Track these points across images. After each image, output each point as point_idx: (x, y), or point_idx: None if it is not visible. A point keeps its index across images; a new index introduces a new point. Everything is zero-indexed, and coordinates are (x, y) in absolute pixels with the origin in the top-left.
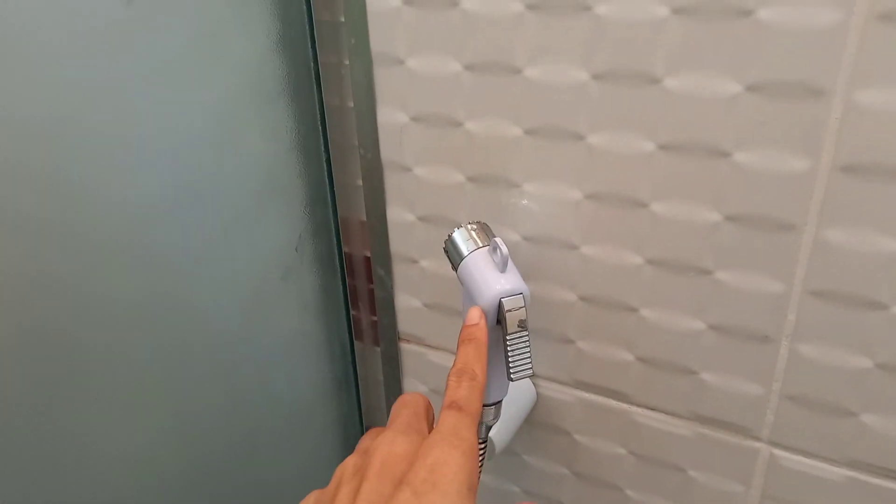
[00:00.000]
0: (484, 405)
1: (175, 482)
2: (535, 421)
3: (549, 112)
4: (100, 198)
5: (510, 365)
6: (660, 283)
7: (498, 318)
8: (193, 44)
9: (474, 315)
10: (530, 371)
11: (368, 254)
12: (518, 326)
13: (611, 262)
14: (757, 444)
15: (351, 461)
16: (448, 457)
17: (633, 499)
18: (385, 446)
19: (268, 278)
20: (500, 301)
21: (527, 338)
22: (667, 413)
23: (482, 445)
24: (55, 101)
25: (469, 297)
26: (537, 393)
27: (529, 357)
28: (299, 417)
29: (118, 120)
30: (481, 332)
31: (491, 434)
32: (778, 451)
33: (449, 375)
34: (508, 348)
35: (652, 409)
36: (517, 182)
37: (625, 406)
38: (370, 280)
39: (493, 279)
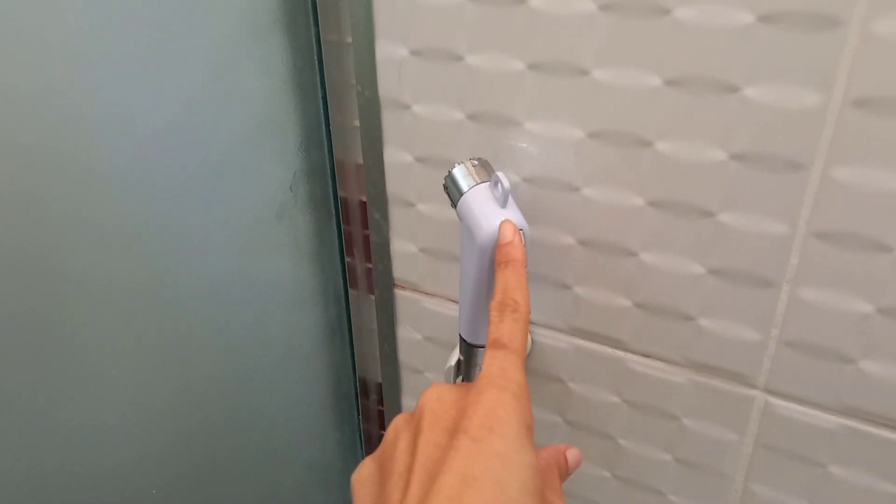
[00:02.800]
0: (478, 347)
1: (166, 428)
2: (529, 368)
3: (553, 45)
4: (90, 135)
5: None
6: (661, 226)
7: (492, 255)
8: None
9: (508, 231)
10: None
11: (364, 198)
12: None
13: (612, 203)
14: (752, 392)
15: (402, 416)
16: (500, 400)
17: (626, 447)
18: (433, 396)
19: (261, 217)
20: (492, 233)
21: (525, 275)
22: (663, 360)
23: None
24: (46, 34)
25: (468, 237)
26: (532, 340)
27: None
28: (291, 364)
29: (109, 54)
30: (517, 250)
31: None
32: (773, 399)
33: (490, 308)
34: None
35: (648, 356)
36: (519, 120)
37: (620, 353)
38: (365, 226)
39: (493, 215)
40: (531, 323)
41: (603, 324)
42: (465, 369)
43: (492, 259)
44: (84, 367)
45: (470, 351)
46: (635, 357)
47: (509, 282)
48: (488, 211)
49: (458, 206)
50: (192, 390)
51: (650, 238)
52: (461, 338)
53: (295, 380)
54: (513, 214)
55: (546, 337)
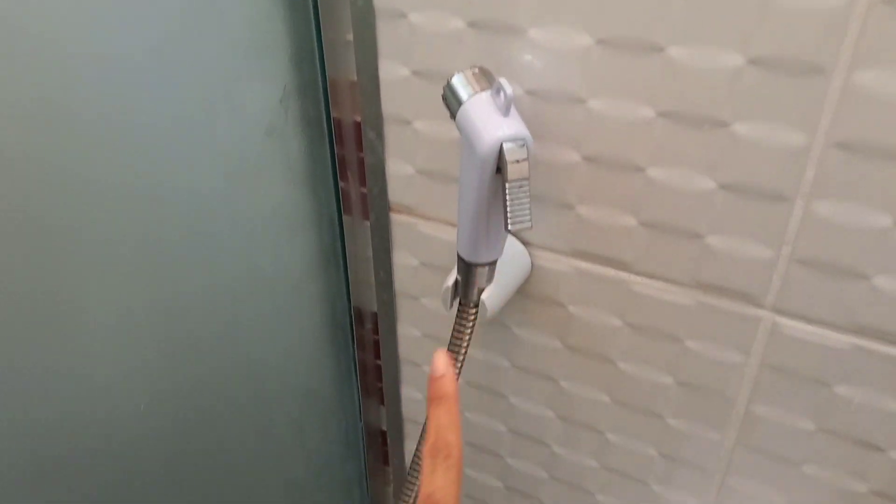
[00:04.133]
0: (477, 265)
1: (158, 359)
2: (529, 293)
3: None
4: (77, 57)
5: (508, 214)
6: (671, 139)
7: (498, 166)
8: None
9: (440, 364)
10: (529, 223)
11: (358, 119)
12: (519, 174)
13: (620, 115)
14: (760, 312)
15: None
16: None
17: (626, 371)
18: None
19: (251, 135)
20: (500, 146)
21: (527, 187)
22: (667, 281)
23: (473, 311)
24: None
25: (468, 149)
26: (532, 263)
27: (528, 208)
28: (283, 292)
29: None
30: (451, 384)
31: (483, 297)
32: (781, 319)
33: (423, 453)
34: (508, 197)
35: (652, 277)
36: (522, 27)
37: (624, 275)
38: (360, 148)
39: (494, 124)
40: (530, 245)
41: (607, 244)
42: (463, 289)
43: (493, 172)
44: (79, 303)
45: (468, 270)
46: (639, 278)
47: (441, 421)
48: (489, 120)
49: (457, 118)
50: (183, 317)
51: (659, 152)
52: (459, 257)
53: (288, 308)
54: (515, 123)
55: (547, 260)
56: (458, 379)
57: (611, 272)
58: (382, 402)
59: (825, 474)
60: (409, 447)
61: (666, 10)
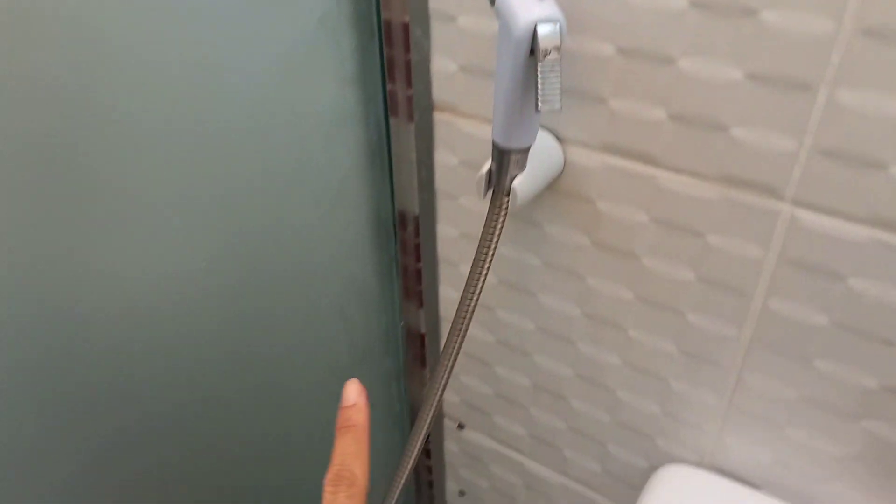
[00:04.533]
0: (510, 151)
1: (213, 247)
2: (561, 189)
3: None
4: None
5: (539, 94)
6: (703, 28)
7: (532, 48)
8: None
9: (351, 393)
10: (558, 104)
11: (407, 19)
12: (551, 54)
13: (653, 7)
14: (780, 205)
15: None
16: None
17: (650, 267)
18: None
19: (304, 24)
20: (534, 27)
21: (558, 69)
22: (693, 175)
23: (506, 198)
24: None
25: (505, 33)
26: (565, 160)
27: (559, 90)
28: (332, 189)
29: None
30: (361, 414)
31: (515, 184)
32: (800, 212)
33: (325, 480)
34: (539, 77)
35: (678, 171)
36: None
37: (651, 170)
38: (408, 50)
39: (529, 6)
40: (564, 141)
41: (636, 139)
42: (496, 177)
43: (527, 53)
44: (136, 183)
45: (502, 156)
46: (666, 173)
47: (348, 450)
48: (525, 4)
49: (496, 3)
50: (237, 207)
51: (691, 42)
52: (494, 144)
53: (335, 204)
54: (549, 7)
55: (579, 156)
56: (367, 410)
57: (639, 167)
58: (421, 306)
59: (837, 369)
60: None
61: None
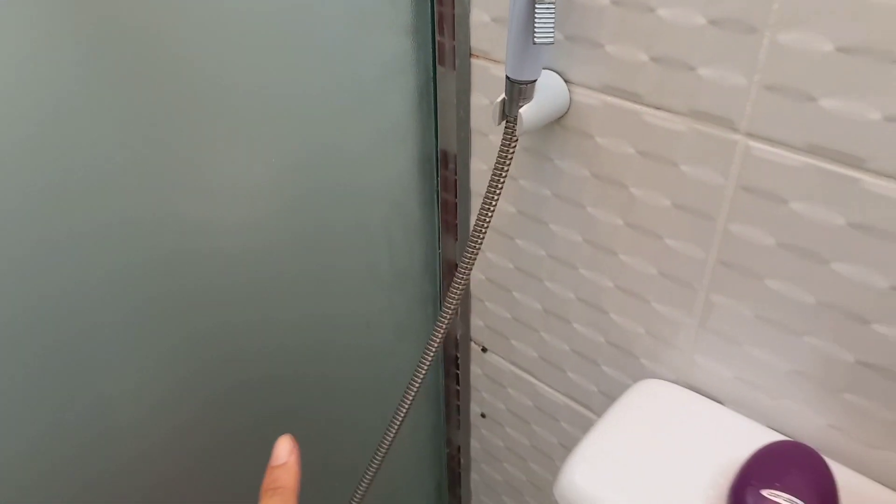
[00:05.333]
0: (518, 82)
1: (282, 167)
2: (568, 125)
3: None
4: None
5: (535, 30)
6: None
7: None
8: None
9: (282, 451)
10: (551, 39)
11: None
12: None
13: None
14: (736, 136)
15: None
16: None
17: (636, 195)
18: None
19: None
20: None
21: (553, 10)
22: (668, 111)
23: (514, 124)
24: None
25: None
26: (571, 99)
27: (552, 27)
28: (386, 128)
29: None
30: (291, 475)
31: (521, 111)
32: (752, 142)
33: None
34: (536, 16)
35: (658, 108)
36: None
37: (637, 107)
38: (453, 6)
39: None
40: (570, 83)
41: (626, 79)
42: (508, 105)
43: None
44: (229, 121)
45: (512, 87)
46: (649, 109)
47: None
48: None
49: None
50: (307, 133)
51: None
52: (506, 77)
53: (388, 138)
54: None
55: (582, 95)
56: (298, 470)
57: (628, 104)
58: (457, 239)
59: (782, 287)
60: (475, 275)
61: None
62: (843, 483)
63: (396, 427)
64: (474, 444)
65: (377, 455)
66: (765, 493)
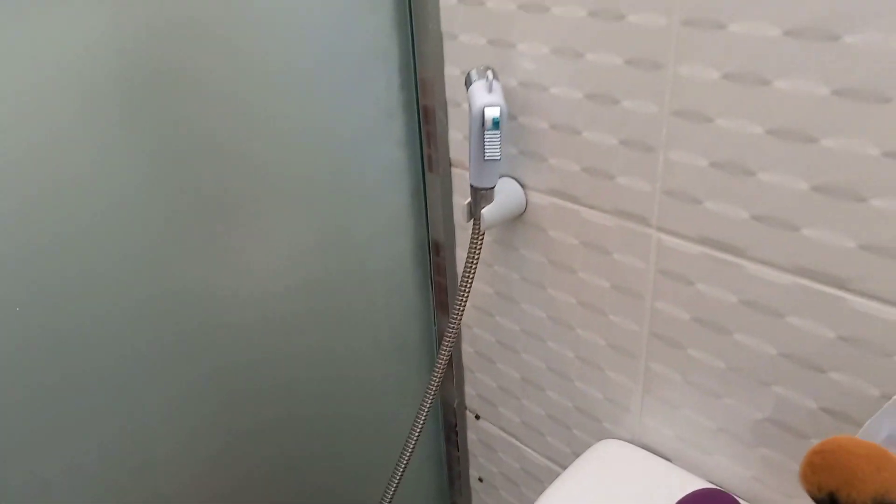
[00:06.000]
0: (479, 189)
1: (303, 274)
2: (527, 221)
3: None
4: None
5: (486, 150)
6: (595, 112)
7: (482, 121)
8: None
9: None
10: (498, 156)
11: (435, 105)
12: (492, 125)
13: (561, 95)
14: (649, 230)
15: None
16: None
17: (582, 278)
18: None
19: (375, 114)
20: (483, 108)
21: (499, 134)
22: (599, 210)
23: (479, 222)
24: None
25: (470, 111)
26: (528, 200)
27: (499, 147)
28: (385, 223)
29: None
30: None
31: (483, 212)
32: (662, 235)
33: None
34: (486, 139)
35: (591, 207)
36: (514, 43)
37: (577, 207)
38: (436, 125)
39: (482, 94)
40: (526, 187)
41: (566, 185)
42: (473, 207)
43: (481, 124)
44: (253, 218)
45: (475, 193)
46: (585, 209)
47: None
48: (480, 94)
49: (468, 92)
50: (321, 230)
51: (589, 122)
52: (470, 185)
53: (387, 227)
54: (495, 96)
55: (535, 197)
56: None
57: (569, 205)
58: (447, 314)
59: (700, 354)
60: (465, 348)
61: None
62: None
63: (397, 479)
64: None
65: None
66: None
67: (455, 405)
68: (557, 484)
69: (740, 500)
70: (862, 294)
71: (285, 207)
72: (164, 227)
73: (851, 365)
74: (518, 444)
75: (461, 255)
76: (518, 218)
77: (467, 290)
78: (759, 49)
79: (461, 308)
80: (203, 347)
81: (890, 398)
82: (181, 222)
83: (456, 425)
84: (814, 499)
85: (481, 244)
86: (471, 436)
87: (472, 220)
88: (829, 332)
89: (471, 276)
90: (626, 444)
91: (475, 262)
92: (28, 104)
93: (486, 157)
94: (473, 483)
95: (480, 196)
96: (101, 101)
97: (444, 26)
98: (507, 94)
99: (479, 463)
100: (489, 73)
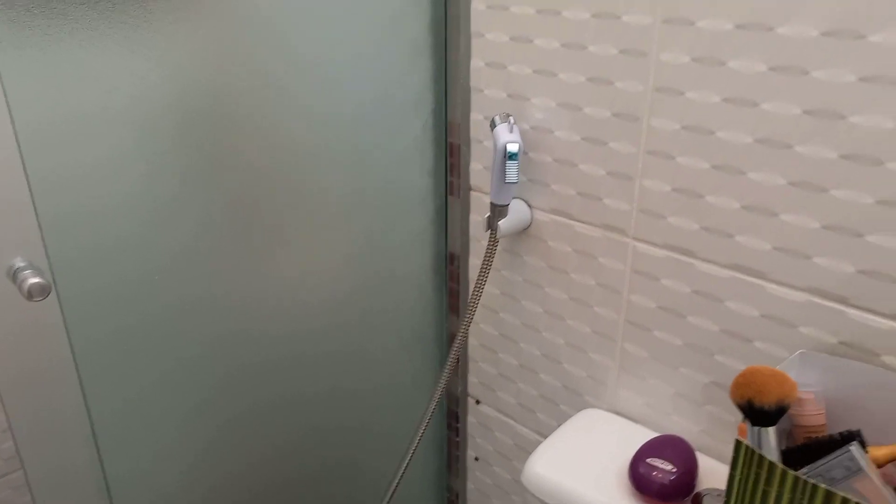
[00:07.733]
0: (497, 205)
1: (332, 276)
2: (531, 233)
3: None
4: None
5: (506, 175)
6: (584, 149)
7: (505, 154)
8: None
9: None
10: (516, 180)
11: (459, 142)
12: (509, 155)
13: (564, 137)
14: (627, 240)
15: None
16: None
17: (574, 278)
18: None
19: (405, 151)
20: (505, 145)
21: (516, 163)
22: (589, 224)
23: (495, 232)
24: None
25: (495, 146)
26: (532, 217)
27: (517, 174)
28: (412, 239)
29: None
30: None
31: (500, 224)
32: (637, 243)
33: None
34: (506, 167)
35: (582, 222)
36: (527, 96)
37: (571, 222)
38: (459, 158)
39: (504, 134)
40: (533, 207)
41: (564, 205)
42: (492, 219)
43: (503, 156)
44: (291, 238)
45: (494, 209)
46: (578, 223)
47: None
48: (503, 133)
49: (493, 133)
50: (354, 255)
51: (583, 156)
52: (490, 202)
53: (413, 241)
54: (514, 136)
55: (539, 214)
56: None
57: (565, 220)
58: (458, 316)
59: (662, 335)
60: (471, 341)
61: None
62: (709, 465)
63: (407, 461)
64: (470, 486)
65: (388, 494)
66: (648, 460)
67: (458, 392)
68: (546, 444)
69: (690, 443)
70: (777, 283)
71: (333, 224)
72: (224, 241)
73: (769, 336)
74: (513, 422)
75: (474, 263)
76: (524, 231)
77: (481, 288)
78: (709, 111)
79: (475, 305)
80: (246, 350)
81: (792, 356)
82: (237, 237)
83: (457, 412)
84: (737, 405)
85: (495, 251)
86: (470, 419)
87: (490, 230)
88: (754, 311)
89: (485, 277)
90: (604, 412)
91: (489, 265)
92: (100, 125)
93: (506, 181)
94: (469, 462)
95: (498, 211)
96: (185, 134)
97: (473, 83)
98: (521, 134)
99: (476, 443)
100: (511, 119)
